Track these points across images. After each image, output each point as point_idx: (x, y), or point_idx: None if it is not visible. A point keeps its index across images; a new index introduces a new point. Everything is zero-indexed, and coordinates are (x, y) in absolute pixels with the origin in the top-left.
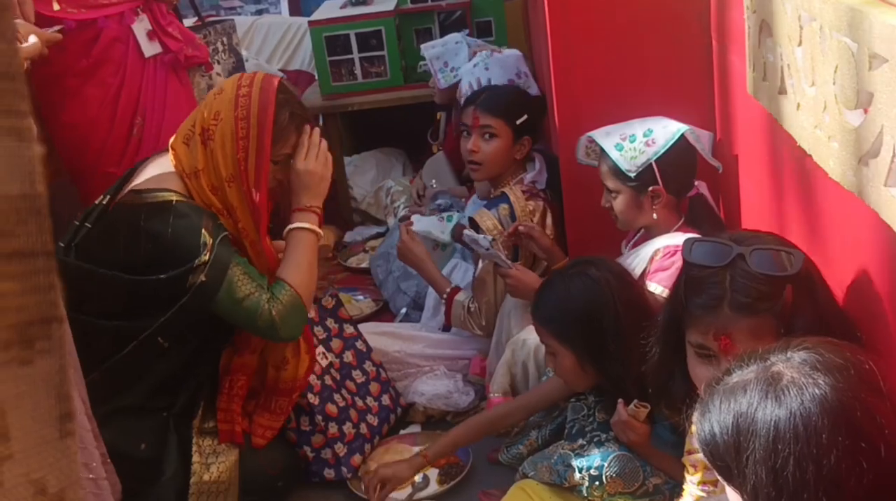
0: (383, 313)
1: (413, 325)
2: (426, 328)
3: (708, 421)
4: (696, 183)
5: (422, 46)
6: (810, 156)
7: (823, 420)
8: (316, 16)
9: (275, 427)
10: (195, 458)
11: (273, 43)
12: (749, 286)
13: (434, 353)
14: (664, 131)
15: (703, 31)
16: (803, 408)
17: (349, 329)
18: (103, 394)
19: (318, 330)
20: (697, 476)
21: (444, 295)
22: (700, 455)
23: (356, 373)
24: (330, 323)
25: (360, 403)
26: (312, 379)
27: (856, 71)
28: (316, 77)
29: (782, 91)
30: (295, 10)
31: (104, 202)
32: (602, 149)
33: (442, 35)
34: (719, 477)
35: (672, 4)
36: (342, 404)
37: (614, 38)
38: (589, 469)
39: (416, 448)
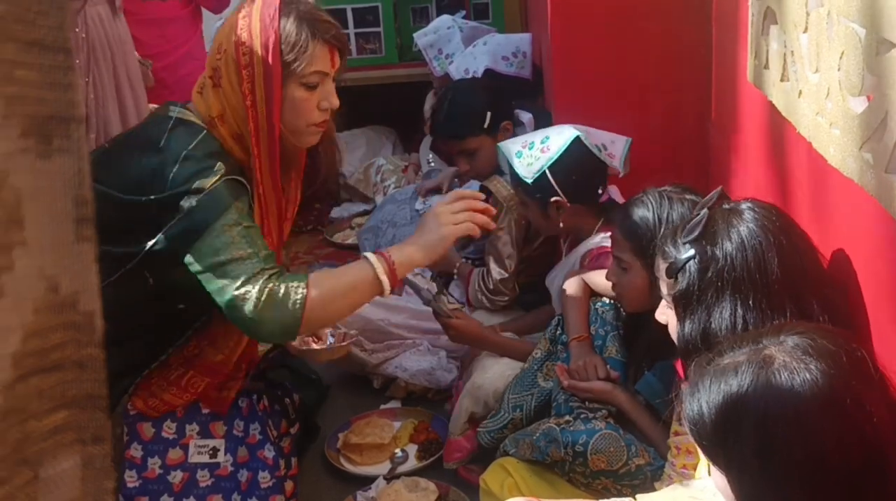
0: None
1: (398, 297)
2: (411, 300)
3: (697, 401)
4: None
5: (414, 35)
6: (810, 143)
7: (813, 405)
8: None
9: (173, 405)
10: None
11: None
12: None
13: (417, 325)
14: (559, 137)
15: (703, 18)
16: (793, 393)
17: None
18: None
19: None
20: (680, 460)
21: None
22: (685, 438)
23: None
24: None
25: None
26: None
27: (862, 57)
28: None
29: (784, 78)
30: None
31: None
32: (506, 159)
33: (439, 15)
34: (705, 458)
35: None
36: None
37: (614, 22)
38: (574, 444)
39: (397, 423)
